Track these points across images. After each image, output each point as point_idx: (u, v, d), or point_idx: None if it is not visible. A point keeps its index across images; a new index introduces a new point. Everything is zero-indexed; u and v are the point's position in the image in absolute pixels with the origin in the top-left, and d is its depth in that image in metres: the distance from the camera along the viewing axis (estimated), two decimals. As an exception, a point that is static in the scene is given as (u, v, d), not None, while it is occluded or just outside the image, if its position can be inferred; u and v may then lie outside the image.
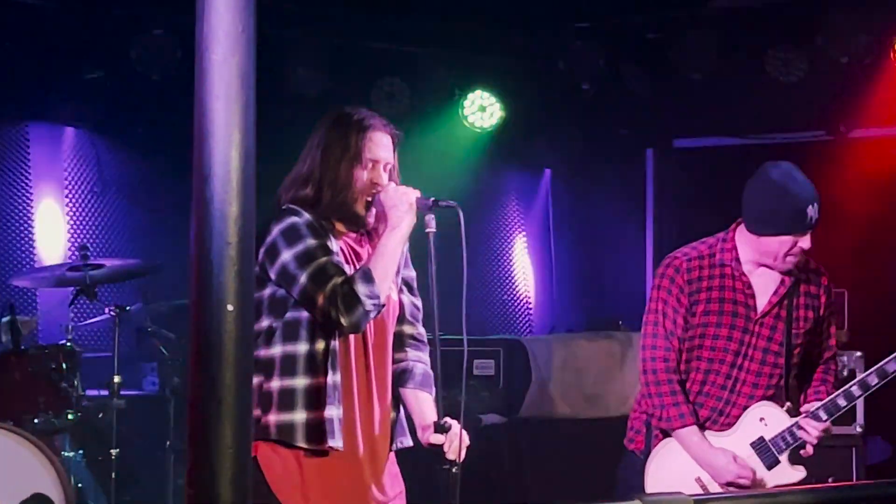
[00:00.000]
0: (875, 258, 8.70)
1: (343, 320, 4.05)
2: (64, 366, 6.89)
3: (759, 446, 5.28)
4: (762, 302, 5.30)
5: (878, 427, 7.69)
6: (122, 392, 7.20)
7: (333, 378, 4.13)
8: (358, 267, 4.19)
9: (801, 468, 5.31)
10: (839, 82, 8.63)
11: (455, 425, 4.16)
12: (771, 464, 5.27)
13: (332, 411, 4.12)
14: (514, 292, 10.13)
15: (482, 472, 7.55)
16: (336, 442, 4.11)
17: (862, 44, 8.22)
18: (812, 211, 5.08)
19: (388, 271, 4.13)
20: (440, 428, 4.14)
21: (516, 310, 10.11)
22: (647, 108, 9.29)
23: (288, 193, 4.28)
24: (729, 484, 5.22)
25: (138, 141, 8.80)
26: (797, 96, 8.69)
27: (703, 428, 5.29)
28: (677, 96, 9.17)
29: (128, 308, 7.42)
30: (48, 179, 8.61)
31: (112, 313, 7.27)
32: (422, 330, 4.54)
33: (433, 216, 4.16)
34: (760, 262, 5.25)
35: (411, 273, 4.51)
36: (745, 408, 5.30)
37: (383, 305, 4.14)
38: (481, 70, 9.22)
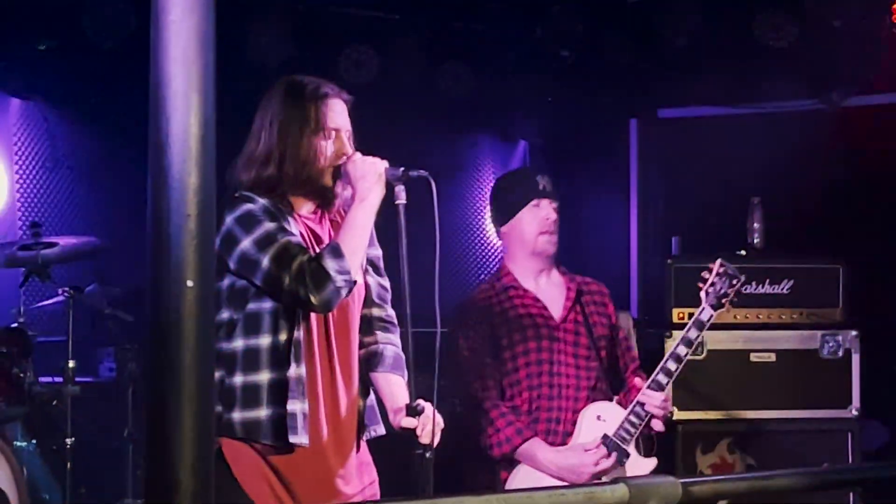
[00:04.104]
0: (871, 233, 8.71)
1: (313, 298, 4.02)
2: (15, 351, 6.87)
3: (606, 444, 5.49)
4: (556, 310, 5.72)
5: (875, 410, 7.71)
6: (76, 378, 7.19)
7: (297, 371, 4.12)
8: (320, 247, 4.17)
9: (653, 458, 5.61)
10: (832, 47, 8.63)
11: (428, 408, 4.15)
12: (622, 458, 5.41)
13: (296, 406, 4.10)
14: (491, 269, 10.12)
15: (457, 459, 7.57)
16: (300, 438, 4.10)
17: (856, 5, 8.22)
18: (543, 180, 5.69)
19: (358, 246, 4.11)
20: (412, 411, 4.13)
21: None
22: (630, 77, 9.28)
23: (248, 175, 4.25)
24: (594, 476, 5.36)
25: (92, 113, 8.75)
26: (787, 63, 8.69)
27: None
28: (661, 63, 9.16)
29: (83, 289, 7.39)
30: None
31: (66, 295, 7.24)
32: (391, 312, 4.54)
33: (403, 187, 4.15)
34: (526, 265, 5.72)
35: (377, 252, 4.49)
36: (575, 411, 5.56)
37: (355, 282, 4.12)
38: (454, 37, 9.19)
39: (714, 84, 9.20)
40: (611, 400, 5.64)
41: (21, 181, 8.65)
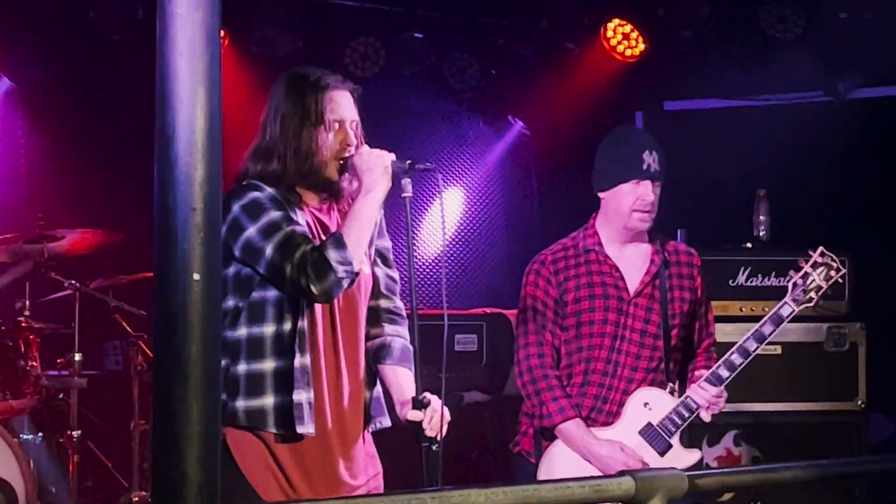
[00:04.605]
0: (876, 226, 8.70)
1: (314, 288, 4.01)
2: (22, 344, 6.88)
3: (648, 433, 5.39)
4: (633, 283, 5.47)
5: (880, 403, 7.70)
6: (83, 371, 7.19)
7: (302, 360, 4.12)
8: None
9: (696, 451, 5.44)
10: (839, 40, 8.62)
11: (435, 400, 4.15)
12: (663, 449, 5.38)
13: (302, 395, 4.10)
14: (498, 263, 10.12)
15: (465, 452, 7.57)
16: (306, 427, 4.10)
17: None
18: (649, 158, 5.34)
19: (362, 238, 4.11)
20: (419, 404, 4.13)
21: (500, 281, 10.10)
22: (636, 69, 9.27)
23: (255, 167, 4.25)
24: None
25: (98, 106, 8.75)
26: (794, 55, 8.68)
27: (588, 421, 5.38)
28: (667, 56, 9.15)
29: (89, 283, 7.39)
30: (3, 146, 8.57)
31: (72, 288, 7.25)
32: (399, 304, 4.53)
33: (409, 180, 4.14)
34: (616, 231, 5.45)
35: (386, 244, 4.49)
36: (626, 392, 5.39)
37: (356, 274, 4.12)
38: (459, 29, 9.19)
39: (720, 76, 9.19)
40: (665, 386, 5.43)
41: (28, 175, 8.65)
